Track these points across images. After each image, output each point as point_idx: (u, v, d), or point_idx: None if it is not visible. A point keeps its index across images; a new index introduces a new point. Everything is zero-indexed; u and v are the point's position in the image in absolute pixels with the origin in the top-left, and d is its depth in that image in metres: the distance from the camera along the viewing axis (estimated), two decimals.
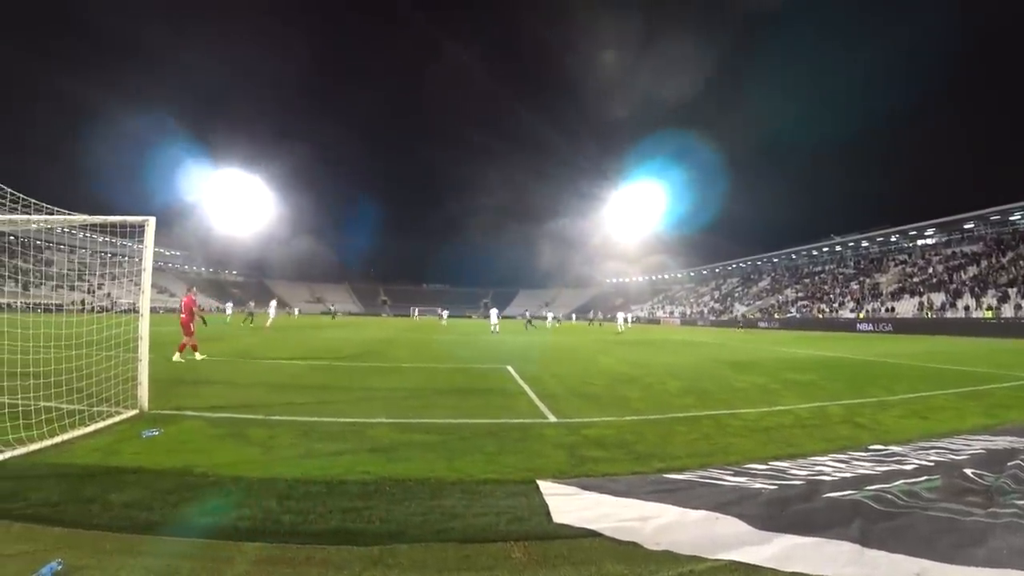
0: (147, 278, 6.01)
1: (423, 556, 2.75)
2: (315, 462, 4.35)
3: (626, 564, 2.69)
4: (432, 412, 6.49)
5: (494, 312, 33.72)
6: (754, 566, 2.66)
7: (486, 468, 4.23)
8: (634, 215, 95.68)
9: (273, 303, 32.06)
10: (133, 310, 6.25)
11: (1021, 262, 41.97)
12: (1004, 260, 43.74)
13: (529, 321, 44.83)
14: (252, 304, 40.64)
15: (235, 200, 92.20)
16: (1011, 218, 47.50)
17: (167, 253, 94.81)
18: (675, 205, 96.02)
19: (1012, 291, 37.82)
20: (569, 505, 3.38)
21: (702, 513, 3.26)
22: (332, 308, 66.55)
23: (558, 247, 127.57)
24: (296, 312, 65.66)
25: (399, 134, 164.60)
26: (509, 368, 11.36)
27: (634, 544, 2.89)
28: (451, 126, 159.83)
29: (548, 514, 3.25)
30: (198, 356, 11.75)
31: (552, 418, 6.31)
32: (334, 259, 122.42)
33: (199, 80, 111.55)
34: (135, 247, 6.12)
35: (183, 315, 12.09)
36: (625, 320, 41.75)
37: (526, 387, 8.69)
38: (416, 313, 74.91)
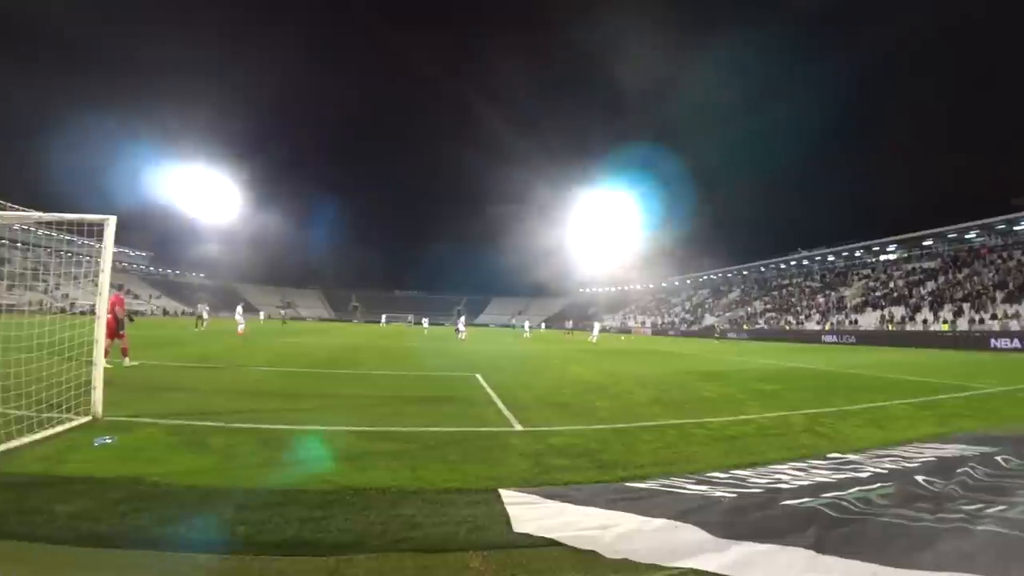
0: (105, 279, 5.83)
1: (380, 566, 2.71)
2: (274, 471, 4.26)
3: (584, 573, 2.69)
4: (398, 420, 6.41)
5: (461, 320, 33.91)
6: (711, 573, 2.68)
7: (449, 477, 4.19)
8: (608, 226, 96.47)
9: (240, 309, 30.14)
10: (92, 312, 6.05)
11: (975, 278, 43.72)
12: (960, 276, 45.56)
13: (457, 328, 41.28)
14: (204, 308, 36.58)
15: (204, 202, 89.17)
16: (966, 236, 49.64)
17: (131, 254, 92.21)
18: (648, 216, 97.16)
19: (966, 306, 39.31)
20: (530, 514, 3.37)
21: (662, 521, 3.28)
22: (282, 313, 61.54)
23: (532, 256, 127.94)
24: (262, 317, 61.37)
25: (374, 139, 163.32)
26: (478, 376, 11.31)
27: (593, 553, 2.89)
28: (425, 133, 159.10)
29: (509, 523, 3.23)
30: (127, 362, 10.92)
31: (518, 427, 6.29)
32: (305, 264, 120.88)
33: (165, 77, 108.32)
34: (97, 247, 5.91)
35: (108, 315, 11.52)
36: (601, 330, 41.93)
37: (494, 396, 8.65)
38: (385, 320, 72.64)
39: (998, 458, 5.11)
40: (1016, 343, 31.34)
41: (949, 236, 50.70)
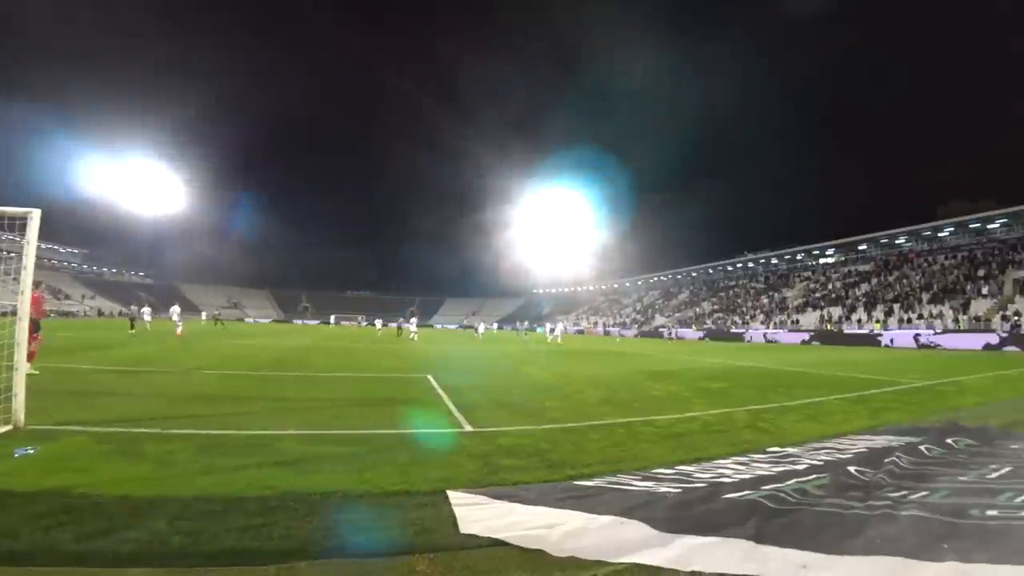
0: (28, 277, 5.48)
1: (323, 573, 2.64)
2: (214, 478, 4.08)
3: (531, 572, 2.69)
4: (346, 423, 6.29)
5: (413, 321, 33.60)
6: (655, 568, 2.72)
7: (396, 480, 4.12)
8: (561, 227, 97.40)
9: (175, 309, 28.26)
10: (13, 312, 5.67)
11: (904, 280, 46.42)
12: (891, 279, 48.28)
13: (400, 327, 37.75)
14: (146, 309, 33.91)
15: (143, 196, 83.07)
16: (896, 241, 52.68)
17: (62, 251, 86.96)
18: (600, 219, 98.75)
19: (896, 306, 41.63)
20: (478, 515, 3.35)
21: (608, 518, 3.32)
22: (216, 313, 55.74)
23: (485, 257, 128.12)
24: (203, 317, 55.71)
25: (326, 137, 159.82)
26: (430, 378, 11.22)
27: (540, 552, 2.90)
28: (377, 132, 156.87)
29: (456, 525, 3.21)
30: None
31: (469, 428, 6.27)
32: (254, 263, 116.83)
33: (101, 63, 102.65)
34: (20, 242, 5.54)
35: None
36: (562, 330, 41.37)
37: (445, 397, 8.60)
38: (334, 320, 70.14)
39: (922, 447, 5.43)
40: (953, 341, 33.36)
41: (881, 241, 53.62)
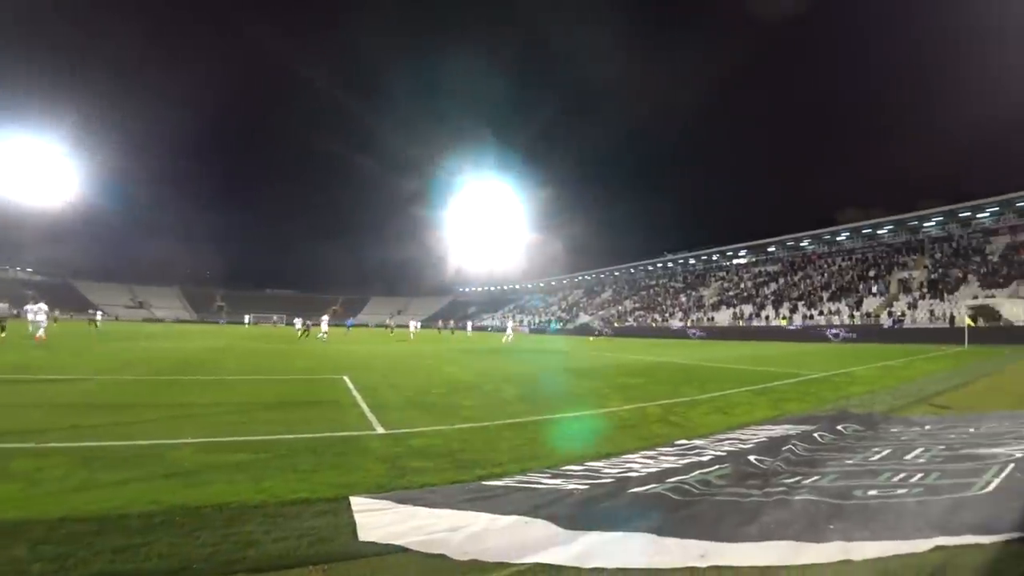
0: None
1: None
2: (91, 495, 3.69)
3: None
4: (250, 429, 5.93)
5: (324, 319, 32.56)
6: (557, 566, 2.70)
7: (297, 487, 3.90)
8: (487, 226, 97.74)
9: (38, 307, 22.25)
10: None
11: (808, 280, 49.97)
12: (796, 278, 51.86)
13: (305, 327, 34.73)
14: (42, 307, 28.40)
15: (28, 181, 73.12)
16: (801, 244, 56.62)
17: None
18: (526, 219, 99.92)
19: (800, 304, 44.72)
20: (379, 521, 3.22)
21: (513, 518, 3.28)
22: (95, 315, 48.82)
23: (412, 255, 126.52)
24: (99, 318, 48.98)
25: (242, 127, 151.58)
26: (346, 379, 10.85)
27: (441, 556, 2.81)
28: (297, 124, 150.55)
29: (356, 532, 3.07)
30: None
31: (380, 429, 6.07)
32: (162, 259, 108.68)
33: None
34: None
35: None
36: (513, 329, 39.83)
37: (359, 398, 8.32)
38: (249, 320, 64.95)
39: (815, 435, 5.79)
40: (842, 334, 36.13)
41: (788, 243, 57.51)
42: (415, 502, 3.55)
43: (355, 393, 8.87)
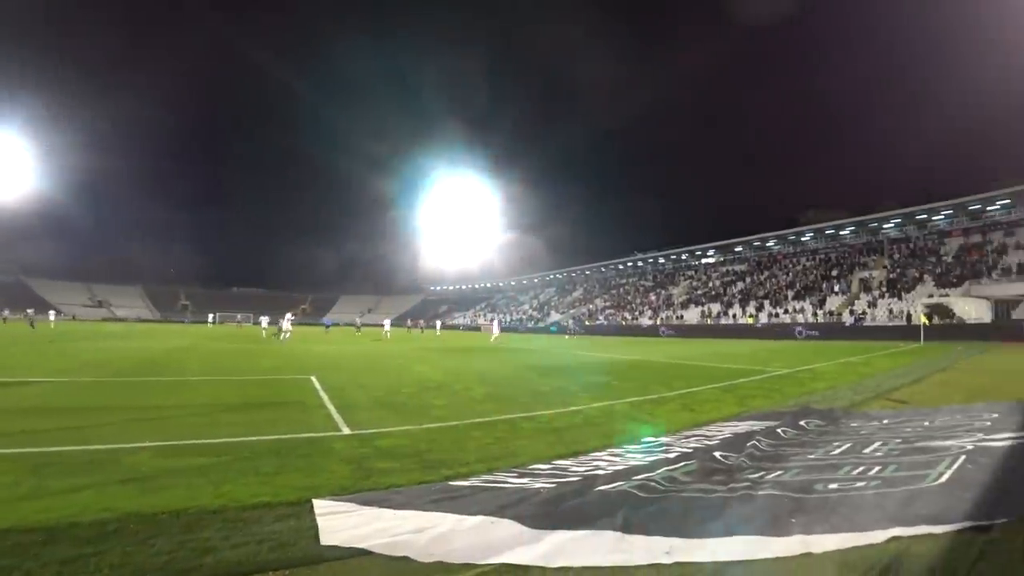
0: None
1: None
2: (41, 503, 3.53)
3: None
4: (211, 431, 5.77)
5: (287, 318, 30.30)
6: (524, 566, 2.69)
7: (258, 491, 3.80)
8: (459, 225, 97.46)
9: None
10: None
11: (773, 279, 51.15)
12: (762, 277, 53.04)
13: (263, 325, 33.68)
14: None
15: None
16: (767, 244, 57.91)
17: None
18: (498, 217, 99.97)
19: (767, 302, 45.74)
20: (342, 524, 3.15)
21: (479, 518, 3.25)
22: (29, 313, 46.75)
23: (382, 253, 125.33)
24: (52, 318, 46.46)
25: (207, 122, 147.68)
26: (313, 379, 10.66)
27: (406, 559, 2.77)
28: (265, 121, 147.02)
29: (317, 536, 3.00)
30: None
31: (346, 430, 5.97)
32: (123, 257, 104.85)
33: None
34: None
35: None
36: (443, 327, 38.46)
37: (326, 398, 8.18)
38: (213, 320, 61.76)
39: (779, 430, 5.91)
40: (806, 331, 37.07)
41: (754, 244, 58.73)
42: (379, 504, 3.49)
43: (322, 394, 8.72)
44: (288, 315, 30.76)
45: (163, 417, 6.64)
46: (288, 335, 28.57)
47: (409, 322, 63.25)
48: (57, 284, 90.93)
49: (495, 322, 38.83)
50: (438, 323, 47.16)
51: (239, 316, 65.63)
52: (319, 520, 3.20)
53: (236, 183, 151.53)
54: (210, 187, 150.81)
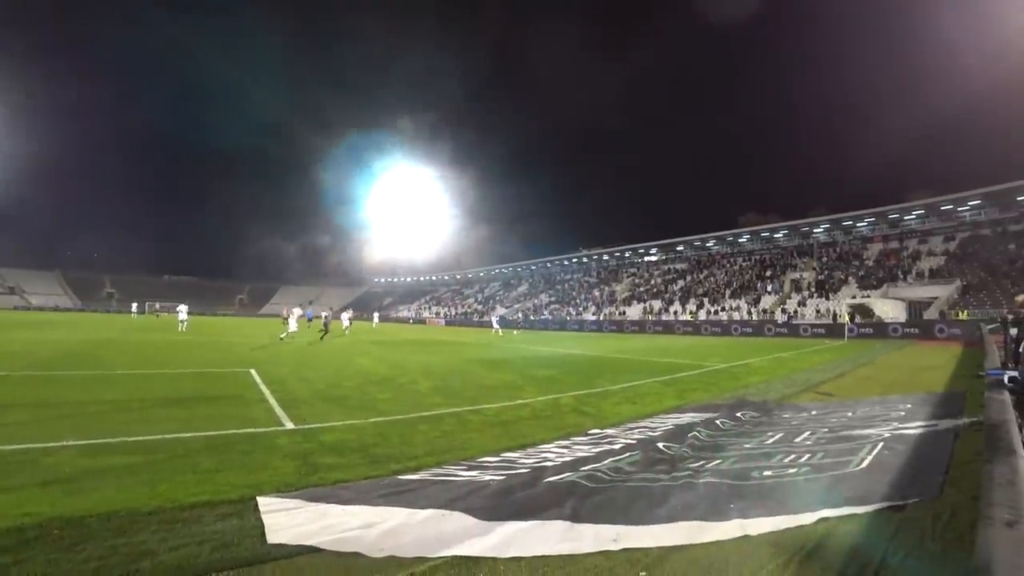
0: None
1: None
2: None
3: None
4: (142, 428, 5.46)
5: (183, 308, 27.88)
6: (475, 558, 2.70)
7: (197, 490, 3.64)
8: (404, 216, 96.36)
9: None
10: None
11: (712, 278, 53.14)
12: (702, 276, 55.02)
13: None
14: None
15: None
16: (707, 244, 60.13)
17: None
18: (445, 210, 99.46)
19: (706, 300, 47.46)
20: (289, 521, 3.07)
21: (430, 512, 3.24)
22: None
23: (325, 243, 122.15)
24: None
25: (137, 102, 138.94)
26: (252, 372, 10.32)
27: (356, 554, 2.73)
28: (201, 106, 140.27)
29: (263, 534, 2.91)
30: None
31: (289, 425, 5.82)
32: (40, 238, 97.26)
33: None
34: None
35: None
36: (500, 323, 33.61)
37: (267, 392, 7.94)
38: (137, 310, 56.23)
39: (717, 421, 6.17)
40: (742, 328, 38.69)
41: (695, 243, 60.86)
42: (327, 500, 3.42)
43: (262, 387, 8.44)
44: (183, 306, 28.26)
45: (85, 413, 6.25)
46: (185, 324, 26.63)
47: (285, 312, 59.53)
48: None
49: (494, 317, 35.38)
50: (376, 315, 45.08)
51: (157, 305, 61.20)
52: (264, 518, 3.11)
53: (171, 168, 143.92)
54: (142, 172, 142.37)
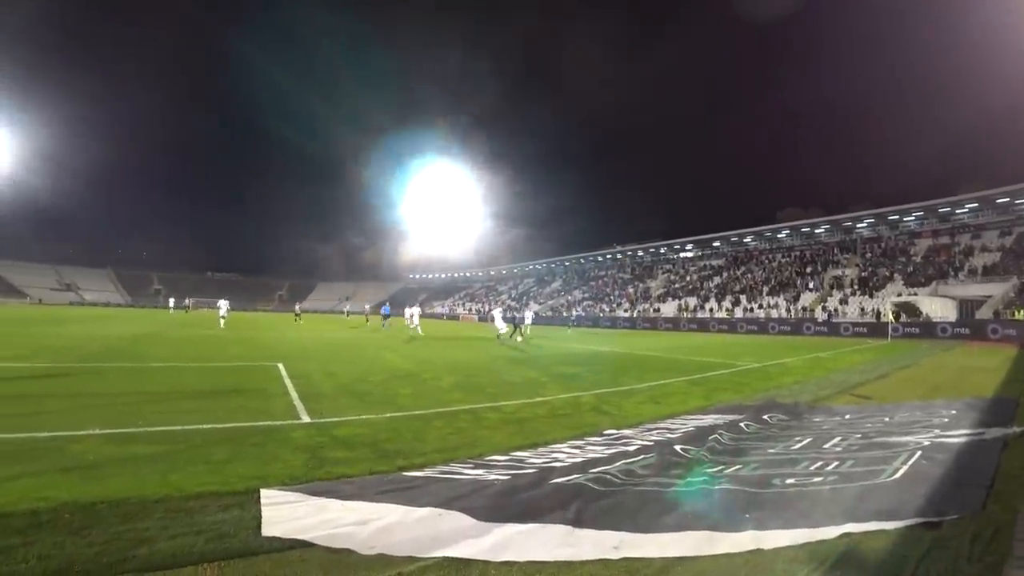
0: None
1: None
2: None
3: (333, 574, 2.48)
4: (168, 418, 5.59)
5: (222, 304, 28.00)
6: (466, 560, 2.62)
7: (206, 480, 3.68)
8: (440, 213, 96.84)
9: None
10: None
11: (749, 275, 51.78)
12: (738, 273, 53.68)
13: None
14: None
15: None
16: (744, 240, 58.62)
17: None
18: (480, 207, 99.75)
19: (743, 297, 46.33)
20: (287, 514, 3.06)
21: (427, 510, 3.18)
22: None
23: (362, 240, 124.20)
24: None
25: (184, 107, 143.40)
26: (280, 366, 10.48)
27: (347, 551, 2.69)
28: (243, 108, 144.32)
29: (259, 527, 2.89)
30: None
31: (306, 419, 5.85)
32: (93, 238, 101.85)
33: None
34: None
35: None
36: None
37: (291, 386, 8.03)
38: (175, 305, 57.23)
39: (742, 424, 5.93)
40: (779, 327, 37.65)
41: (732, 239, 59.38)
42: (327, 494, 3.40)
43: (287, 381, 8.56)
44: (223, 301, 28.35)
45: (116, 404, 6.42)
46: (225, 320, 26.82)
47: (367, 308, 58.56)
48: (22, 266, 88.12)
49: (528, 313, 32.55)
50: (415, 311, 45.29)
51: (187, 300, 62.82)
52: (264, 511, 3.10)
53: (214, 170, 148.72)
54: (189, 174, 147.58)
